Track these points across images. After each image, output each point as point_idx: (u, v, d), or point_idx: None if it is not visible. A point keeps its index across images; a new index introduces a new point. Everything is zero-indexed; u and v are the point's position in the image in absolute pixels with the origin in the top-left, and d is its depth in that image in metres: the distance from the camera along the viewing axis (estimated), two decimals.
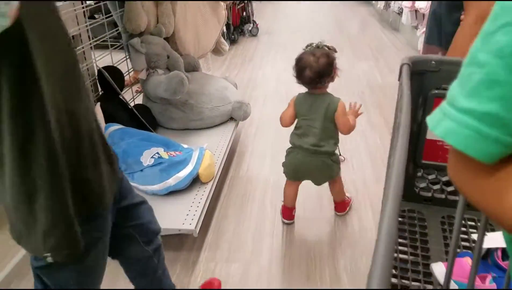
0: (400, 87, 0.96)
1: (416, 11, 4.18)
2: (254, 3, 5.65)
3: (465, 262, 0.92)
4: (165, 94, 2.15)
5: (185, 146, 2.02)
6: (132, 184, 1.63)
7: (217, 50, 3.13)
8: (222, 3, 3.03)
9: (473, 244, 1.18)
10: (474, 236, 1.19)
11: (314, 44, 1.65)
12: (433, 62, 1.15)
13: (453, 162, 0.44)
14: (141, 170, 1.80)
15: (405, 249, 1.21)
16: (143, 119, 2.18)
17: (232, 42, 4.77)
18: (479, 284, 0.88)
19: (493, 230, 1.21)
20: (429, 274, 1.09)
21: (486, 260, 1.00)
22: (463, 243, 1.21)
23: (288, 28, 5.66)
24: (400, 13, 4.81)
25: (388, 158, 0.79)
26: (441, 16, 1.50)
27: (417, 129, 1.29)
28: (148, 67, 2.29)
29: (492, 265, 0.97)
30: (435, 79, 1.19)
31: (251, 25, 5.24)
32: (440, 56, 1.18)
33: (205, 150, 1.90)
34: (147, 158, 1.82)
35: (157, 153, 1.85)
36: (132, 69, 2.37)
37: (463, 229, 1.26)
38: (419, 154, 1.32)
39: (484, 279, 0.89)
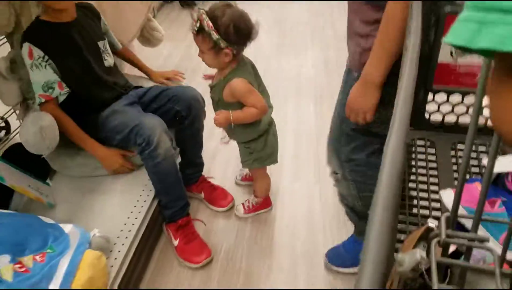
0: (411, 8, 0.88)
1: None
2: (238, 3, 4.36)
3: (475, 188, 0.90)
4: (29, 149, 1.39)
5: (67, 229, 1.20)
6: None
7: (146, 39, 2.29)
8: None
9: (484, 170, 1.15)
10: (485, 162, 1.17)
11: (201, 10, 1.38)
12: None
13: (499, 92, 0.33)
14: None
15: (413, 177, 1.20)
16: (29, 166, 1.42)
17: None
18: (488, 209, 0.87)
19: (504, 153, 1.17)
20: (437, 201, 1.09)
21: (496, 184, 0.98)
22: (473, 169, 1.18)
23: (275, 36, 4.00)
24: None
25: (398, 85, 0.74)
26: None
27: (429, 51, 1.21)
28: (25, 98, 1.46)
29: (502, 190, 0.96)
30: None
31: None
32: None
33: (86, 250, 1.12)
34: None
35: None
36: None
37: (473, 154, 1.23)
38: (430, 78, 1.26)
39: (493, 204, 0.88)
